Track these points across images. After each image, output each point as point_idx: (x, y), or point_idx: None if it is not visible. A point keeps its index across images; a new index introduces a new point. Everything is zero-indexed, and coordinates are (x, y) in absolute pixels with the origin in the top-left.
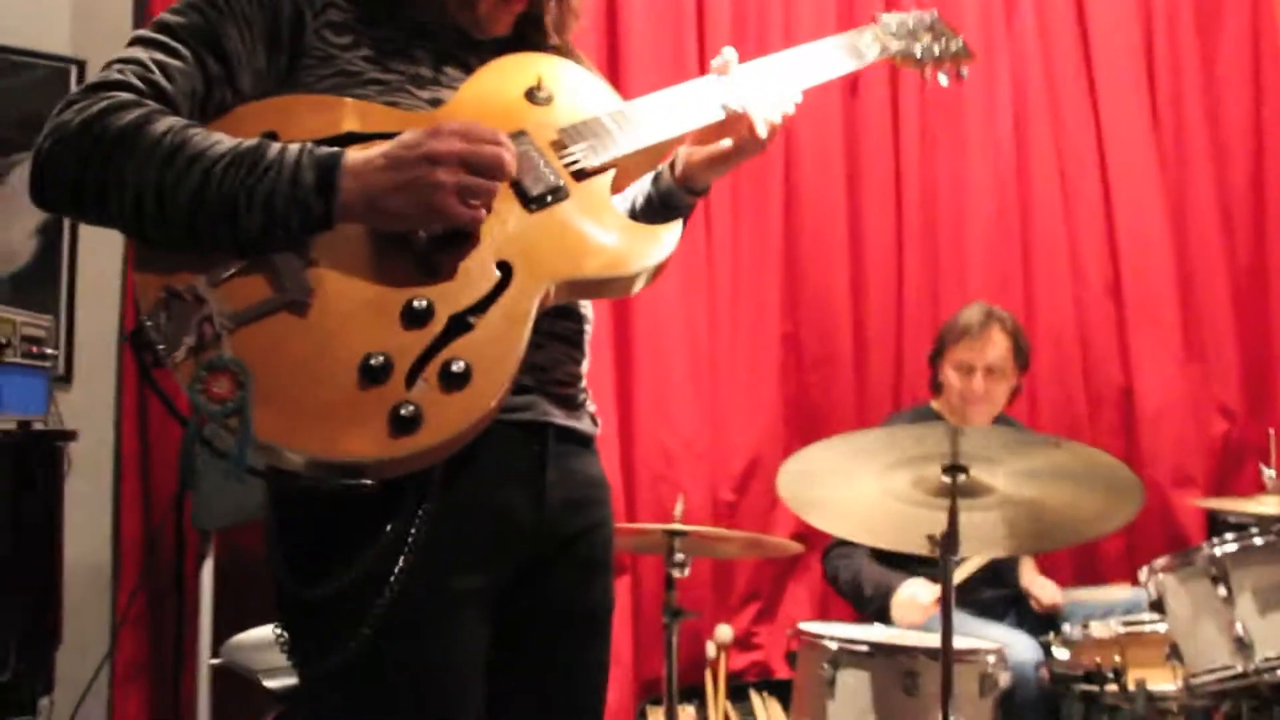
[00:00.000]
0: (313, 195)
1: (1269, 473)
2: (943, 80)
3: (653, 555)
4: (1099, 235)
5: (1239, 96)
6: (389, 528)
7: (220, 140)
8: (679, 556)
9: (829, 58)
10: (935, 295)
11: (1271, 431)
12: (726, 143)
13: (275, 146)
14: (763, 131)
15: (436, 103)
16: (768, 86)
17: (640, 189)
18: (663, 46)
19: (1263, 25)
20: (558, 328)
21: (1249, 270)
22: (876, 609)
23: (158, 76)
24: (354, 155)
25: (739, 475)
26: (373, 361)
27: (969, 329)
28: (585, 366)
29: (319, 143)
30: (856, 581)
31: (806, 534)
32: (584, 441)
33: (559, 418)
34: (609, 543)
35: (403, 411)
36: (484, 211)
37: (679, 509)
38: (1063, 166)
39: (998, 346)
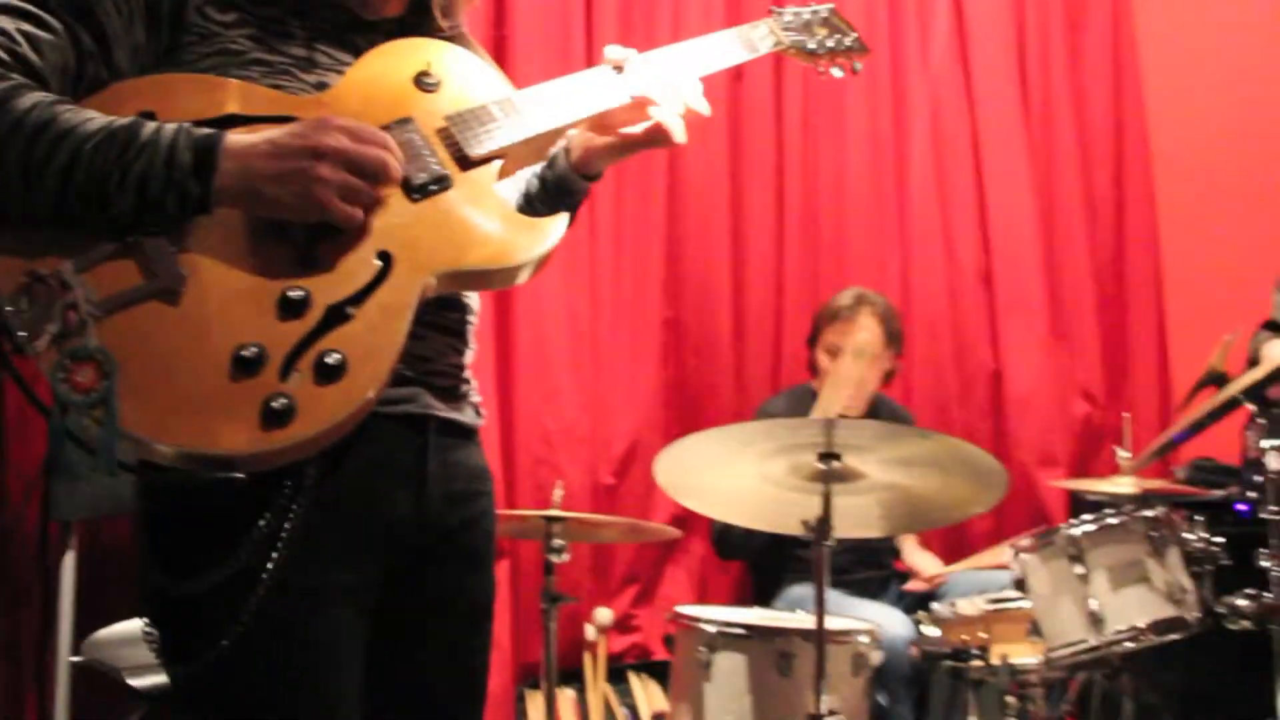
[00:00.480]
0: (190, 177)
1: (1123, 454)
2: (836, 73)
3: (532, 541)
4: (972, 223)
5: (1102, 94)
6: (263, 522)
7: (92, 117)
8: (557, 542)
9: (723, 49)
10: (815, 281)
11: (1126, 416)
12: (632, 129)
13: (151, 125)
14: (671, 123)
15: (322, 86)
16: (668, 76)
17: (531, 173)
18: (550, 40)
19: (1123, 29)
20: (441, 319)
21: (1110, 260)
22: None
23: (25, 50)
24: (235, 138)
25: (619, 459)
26: (245, 353)
27: (840, 312)
28: (469, 357)
29: (199, 124)
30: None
31: (686, 518)
32: (466, 433)
33: (441, 410)
34: (491, 534)
35: (274, 404)
36: (360, 215)
37: (558, 495)
38: (939, 156)
39: (868, 329)
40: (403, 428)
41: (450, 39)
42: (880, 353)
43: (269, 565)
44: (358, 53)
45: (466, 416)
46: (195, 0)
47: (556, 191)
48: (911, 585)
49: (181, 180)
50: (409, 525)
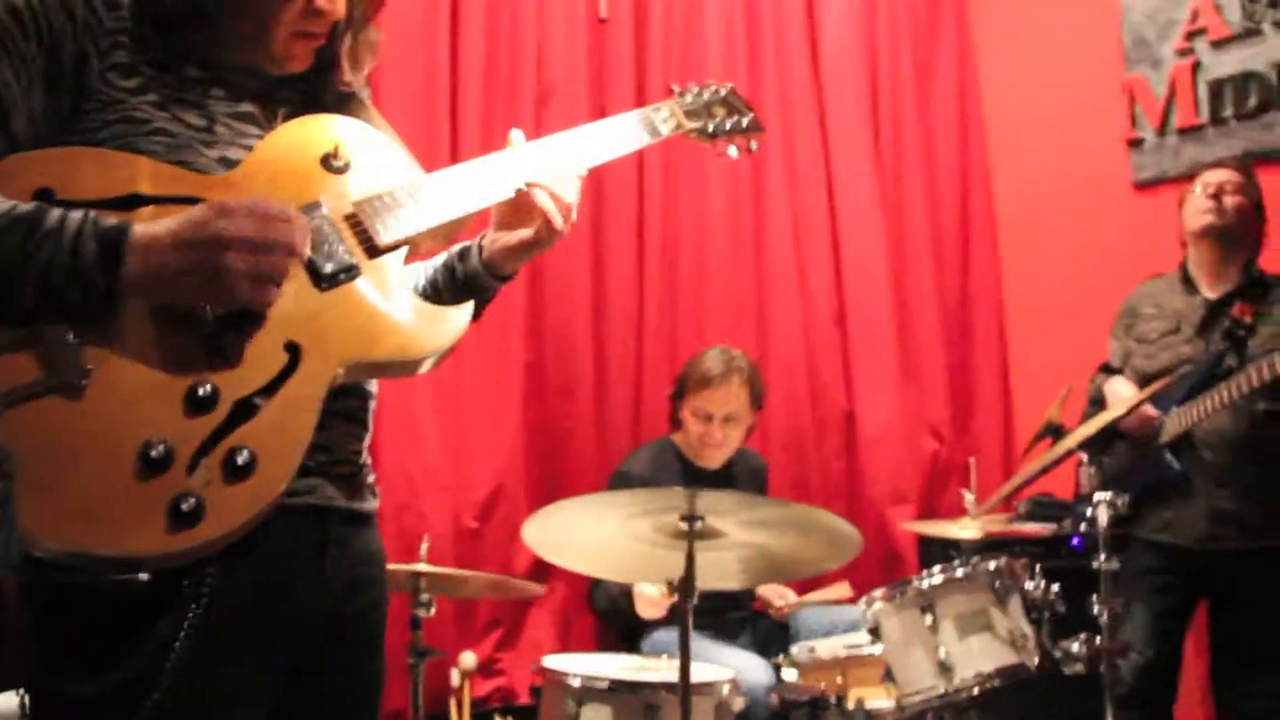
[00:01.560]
0: (95, 269)
1: (969, 497)
2: (732, 153)
3: (398, 593)
4: (827, 267)
5: (949, 141)
6: (161, 622)
7: None
8: (425, 597)
9: (624, 134)
10: (674, 324)
11: (972, 460)
12: (525, 233)
13: (55, 213)
14: (553, 211)
15: (226, 162)
16: (559, 164)
17: (440, 262)
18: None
19: (968, 78)
20: (341, 406)
21: (956, 303)
22: (625, 612)
23: None
24: (140, 230)
25: (481, 504)
26: (153, 452)
27: (709, 379)
28: (368, 440)
29: (102, 204)
30: (609, 597)
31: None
32: (365, 518)
33: (341, 500)
34: (384, 619)
35: (183, 506)
36: (273, 295)
37: (424, 548)
38: (795, 201)
39: (736, 398)
40: (303, 519)
41: (352, 101)
42: (746, 416)
43: (166, 667)
44: (259, 124)
45: (365, 503)
46: (99, 65)
47: (465, 287)
48: (770, 612)
49: (86, 272)
50: (309, 617)
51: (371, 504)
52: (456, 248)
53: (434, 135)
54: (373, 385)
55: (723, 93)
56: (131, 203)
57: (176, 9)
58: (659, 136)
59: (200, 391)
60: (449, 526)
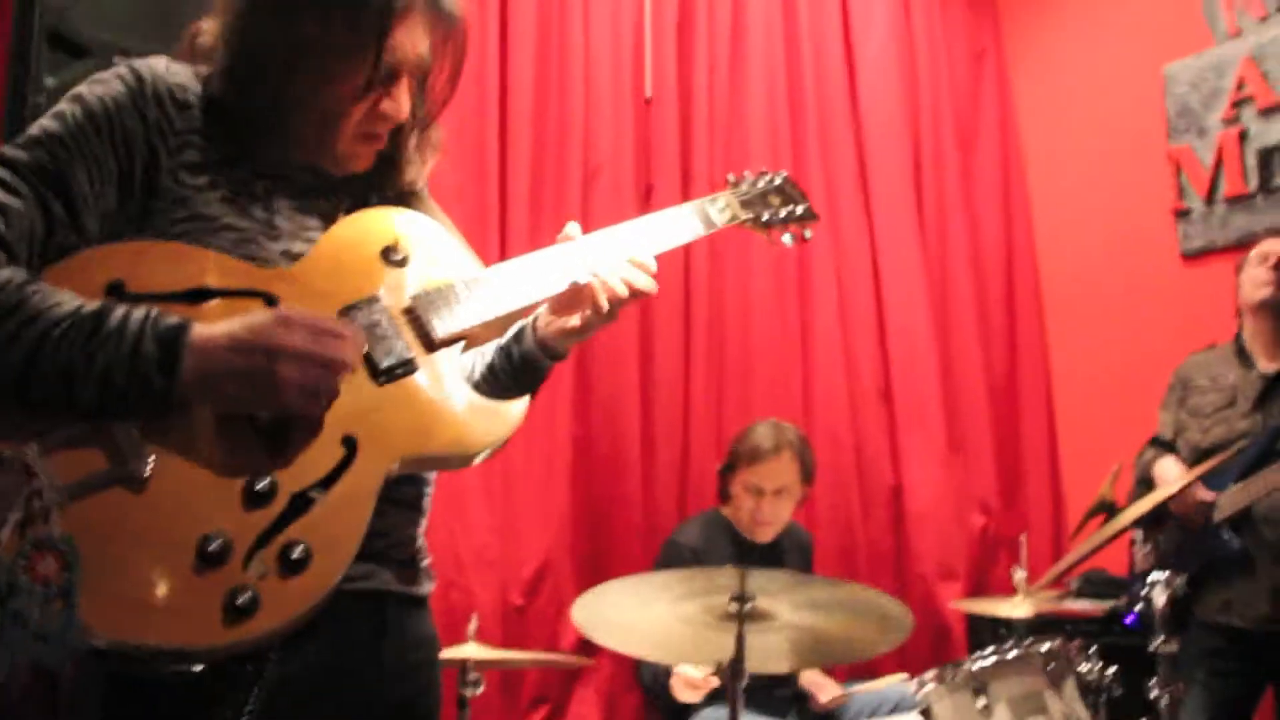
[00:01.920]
0: (154, 370)
1: (1020, 574)
2: (786, 241)
3: (447, 669)
4: (872, 341)
5: (992, 214)
6: (220, 710)
7: (60, 302)
8: (473, 676)
9: (679, 225)
10: (720, 399)
11: (1022, 537)
12: (576, 320)
13: (119, 312)
14: (604, 304)
15: (289, 255)
16: (613, 258)
17: (497, 345)
18: (466, 200)
19: (1011, 150)
20: (398, 493)
21: (1003, 376)
22: (669, 693)
23: None
24: (199, 331)
25: (529, 580)
26: (210, 546)
27: (760, 453)
28: (424, 526)
29: (170, 297)
30: (654, 675)
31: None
32: (420, 602)
33: (397, 585)
34: (438, 704)
35: (239, 600)
36: (323, 409)
37: (472, 627)
38: (840, 276)
39: (787, 471)
40: (360, 604)
41: (412, 195)
42: (798, 490)
43: None
44: (322, 217)
45: (421, 587)
46: (169, 164)
47: (522, 368)
48: (812, 705)
49: (146, 372)
50: (366, 703)
51: (426, 588)
52: (512, 329)
53: (484, 215)
54: (430, 472)
55: (777, 181)
56: (198, 296)
57: (243, 117)
58: (714, 228)
59: (258, 486)
60: (497, 604)
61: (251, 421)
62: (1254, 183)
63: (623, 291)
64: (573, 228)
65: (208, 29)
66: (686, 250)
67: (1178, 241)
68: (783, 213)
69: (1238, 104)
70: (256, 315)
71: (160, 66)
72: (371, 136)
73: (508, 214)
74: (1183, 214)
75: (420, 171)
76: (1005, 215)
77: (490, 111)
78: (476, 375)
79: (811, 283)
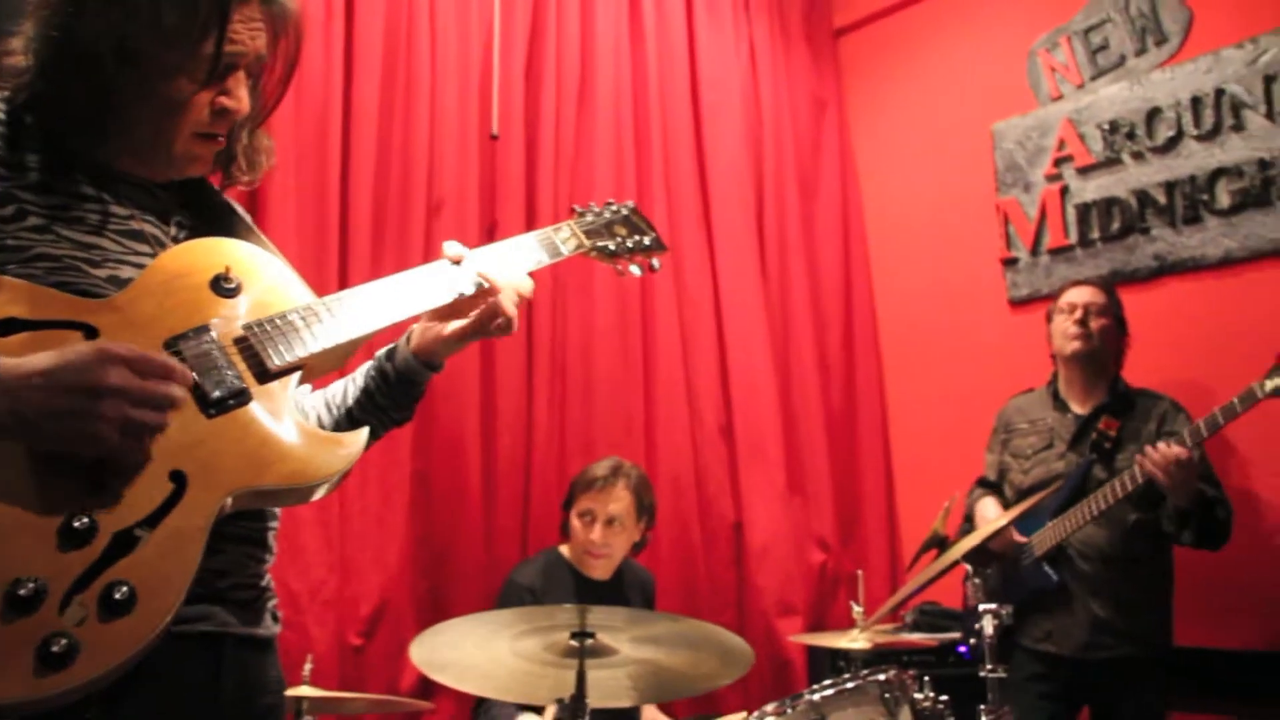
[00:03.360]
0: None
1: (857, 609)
2: (635, 271)
3: None
4: (714, 379)
5: (832, 257)
6: None
7: None
8: (307, 719)
9: (523, 254)
10: (563, 435)
11: (859, 572)
12: (462, 322)
13: None
14: (511, 309)
15: (115, 280)
16: (505, 268)
17: (366, 370)
18: (306, 228)
19: (850, 195)
20: (238, 529)
21: (841, 414)
22: None
23: None
24: (7, 365)
25: (367, 619)
26: (21, 591)
27: (595, 480)
28: (270, 562)
29: None
30: None
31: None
32: (263, 644)
33: (236, 626)
34: None
35: (54, 647)
36: (145, 450)
37: (307, 669)
38: (683, 315)
39: (620, 500)
40: (196, 647)
41: (239, 224)
42: (630, 524)
43: None
44: (150, 243)
45: (263, 628)
46: None
47: (399, 384)
48: None
49: None
50: None
51: (271, 629)
52: (381, 352)
53: (325, 245)
54: (271, 507)
55: (624, 212)
56: (7, 328)
57: (66, 120)
58: (560, 256)
59: (76, 524)
60: (333, 644)
61: (69, 461)
62: (1074, 235)
63: (523, 291)
64: (450, 246)
65: (17, 44)
66: None
67: (1006, 289)
68: (629, 243)
69: (1059, 162)
70: (75, 349)
71: None
72: (210, 136)
73: (349, 245)
74: (1010, 263)
75: (254, 175)
76: (844, 260)
77: (333, 142)
78: (350, 401)
79: (654, 320)
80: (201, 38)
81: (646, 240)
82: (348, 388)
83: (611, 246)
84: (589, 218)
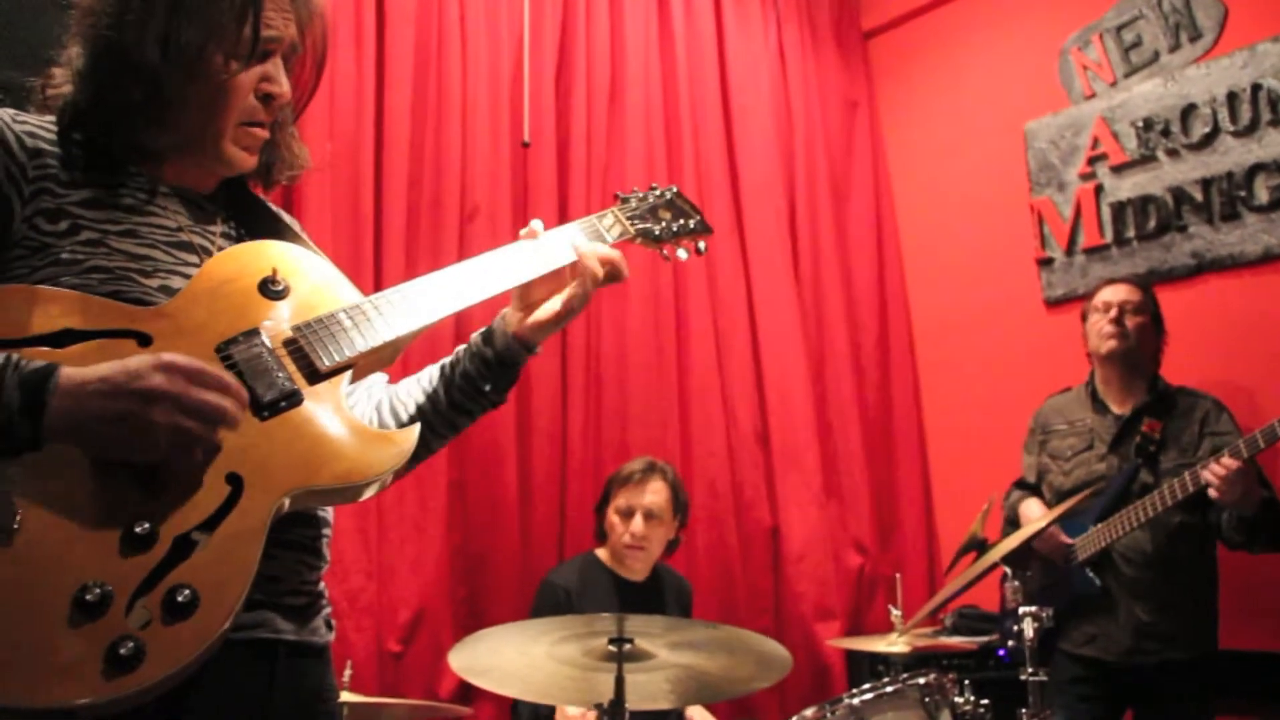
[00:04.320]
0: (17, 416)
1: (896, 613)
2: (681, 255)
3: None
4: (749, 385)
5: (866, 260)
6: None
7: None
8: None
9: (569, 241)
10: (598, 442)
11: (897, 576)
12: (557, 304)
13: None
14: (598, 270)
15: (167, 290)
16: (571, 243)
17: (462, 354)
18: (340, 238)
19: (883, 197)
20: (292, 535)
21: (877, 417)
22: None
23: None
24: (68, 374)
25: (405, 626)
26: (88, 596)
27: (633, 475)
28: (323, 570)
29: (34, 340)
30: (534, 718)
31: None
32: (317, 651)
33: (290, 633)
34: None
35: (121, 650)
36: (196, 459)
37: (346, 675)
38: (717, 322)
39: (658, 493)
40: (250, 654)
41: (284, 229)
42: (668, 518)
43: None
44: (197, 252)
45: (317, 635)
46: (23, 213)
47: (499, 366)
48: None
49: (9, 420)
50: None
51: (325, 637)
52: (476, 336)
53: (359, 251)
54: (328, 513)
55: (668, 195)
56: (64, 338)
57: (134, 112)
58: (604, 243)
59: (138, 529)
60: (372, 650)
61: (128, 465)
62: (1109, 234)
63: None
64: (536, 224)
65: (60, 74)
66: None
67: (1041, 289)
68: (675, 226)
69: (1093, 160)
70: (135, 359)
71: (6, 115)
72: (255, 125)
73: (383, 254)
74: (1045, 263)
75: (292, 171)
76: (878, 263)
77: (366, 152)
78: (450, 384)
79: (689, 326)
80: (240, 20)
81: (691, 223)
82: (445, 372)
83: (656, 231)
84: (633, 203)
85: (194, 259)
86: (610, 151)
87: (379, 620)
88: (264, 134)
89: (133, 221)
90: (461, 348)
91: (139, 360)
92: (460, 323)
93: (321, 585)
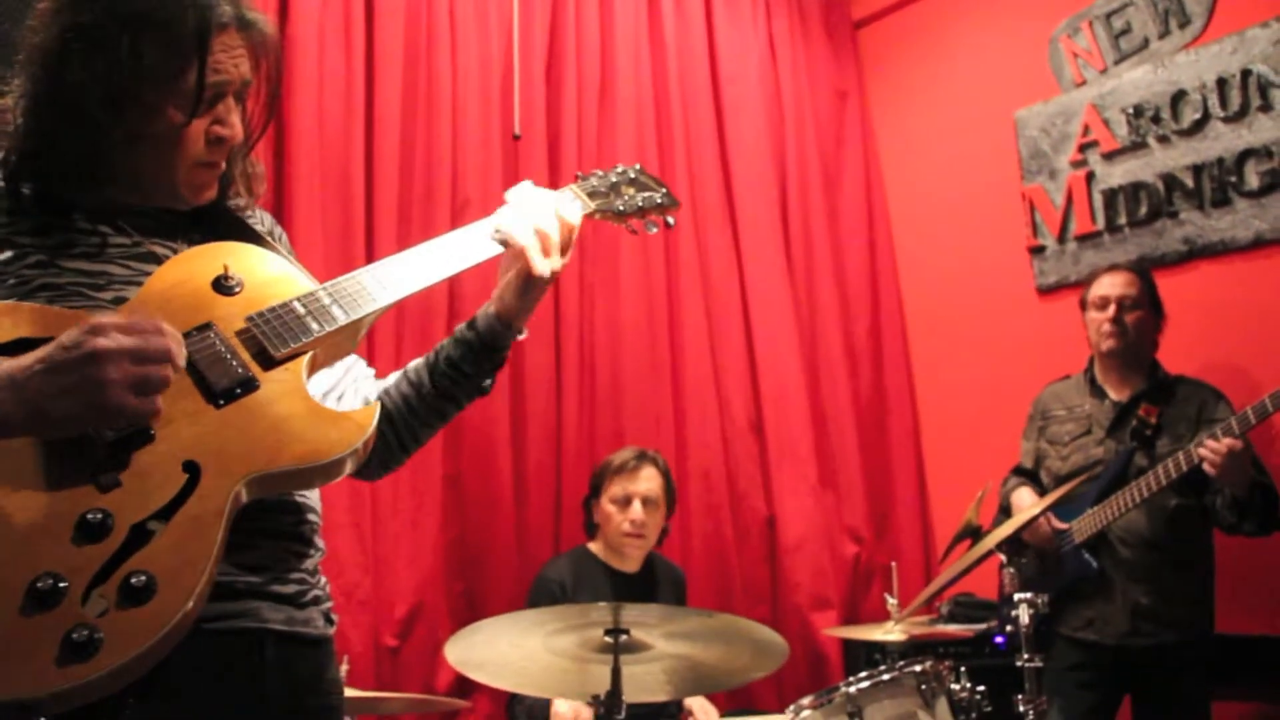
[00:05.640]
0: None
1: (892, 601)
2: (651, 230)
3: None
4: (743, 376)
5: (857, 249)
6: None
7: None
8: None
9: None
10: (593, 434)
11: (893, 564)
12: (511, 276)
13: None
14: (539, 261)
15: (119, 302)
16: (520, 223)
17: (450, 342)
18: (331, 232)
19: (874, 186)
20: (273, 523)
21: (871, 406)
22: None
23: None
24: (6, 365)
25: (401, 620)
26: (39, 585)
27: (624, 464)
28: (315, 560)
29: None
30: (528, 714)
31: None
32: (312, 643)
33: (278, 622)
34: None
35: (75, 635)
36: (158, 404)
37: (344, 669)
38: (710, 311)
39: (653, 479)
40: (236, 643)
41: (246, 229)
42: (663, 505)
43: None
44: (160, 262)
45: (312, 626)
46: None
47: (483, 348)
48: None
49: None
50: None
51: (322, 629)
52: (462, 325)
53: (350, 247)
54: (311, 499)
55: (631, 173)
56: (18, 348)
57: (60, 170)
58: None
59: (90, 518)
60: (368, 645)
61: (83, 450)
62: (1101, 221)
63: (547, 224)
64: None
65: (8, 103)
66: (556, 283)
67: (1033, 277)
68: (640, 200)
69: (1084, 148)
70: (65, 333)
71: None
72: (210, 164)
73: (374, 247)
74: (1037, 250)
75: (248, 199)
76: (870, 252)
77: (356, 145)
78: (435, 371)
79: (681, 317)
80: (183, 72)
81: (657, 197)
82: (429, 358)
83: (620, 206)
84: (593, 180)
85: (154, 268)
86: (601, 143)
87: (375, 615)
88: (217, 171)
89: (86, 242)
90: (449, 338)
91: (69, 333)
92: (454, 313)
93: (319, 577)
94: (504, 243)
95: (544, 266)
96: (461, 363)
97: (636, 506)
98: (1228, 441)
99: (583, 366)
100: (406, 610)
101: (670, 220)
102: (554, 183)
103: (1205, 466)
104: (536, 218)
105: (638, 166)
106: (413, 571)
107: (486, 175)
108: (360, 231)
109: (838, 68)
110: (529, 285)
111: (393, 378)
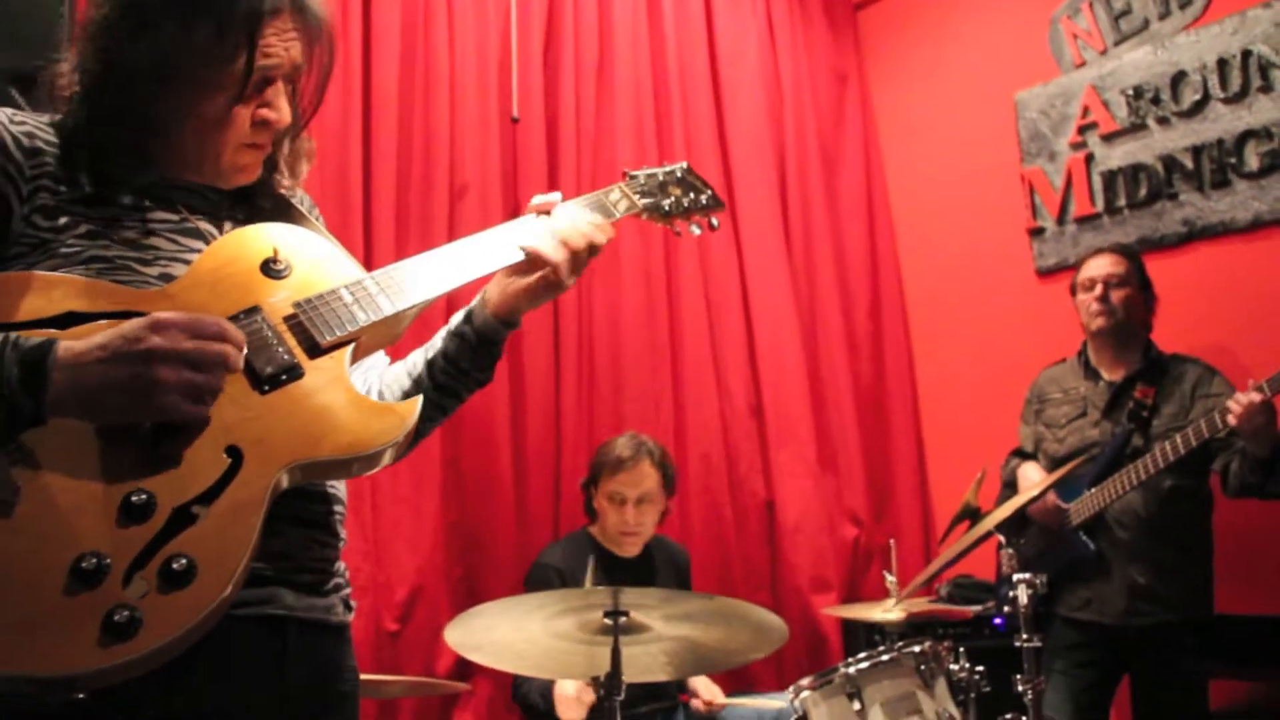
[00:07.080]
0: (19, 393)
1: (891, 580)
2: (694, 230)
3: None
4: (742, 359)
5: (857, 231)
6: None
7: None
8: None
9: (579, 215)
10: (592, 418)
11: (891, 543)
12: (528, 280)
13: None
14: (563, 256)
15: (167, 278)
16: (554, 223)
17: (443, 334)
18: (329, 214)
19: (873, 168)
20: (300, 511)
21: (870, 388)
22: (547, 712)
23: None
24: (67, 346)
25: (401, 604)
26: (84, 564)
27: (621, 462)
28: (338, 549)
29: (36, 324)
30: (532, 694)
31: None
32: (333, 630)
33: (301, 610)
34: None
35: (116, 617)
36: (206, 411)
37: None
38: (709, 294)
39: (648, 478)
40: (260, 629)
41: (290, 209)
42: (659, 498)
43: None
44: (205, 239)
45: (333, 614)
46: (21, 211)
47: (479, 344)
48: (693, 704)
49: (11, 397)
50: None
51: (342, 616)
52: (457, 315)
53: (349, 228)
54: (339, 490)
55: (678, 172)
56: (67, 321)
57: (111, 144)
58: (612, 218)
59: (134, 500)
60: (369, 629)
61: (130, 432)
62: (1100, 203)
63: (580, 243)
64: (554, 196)
65: (64, 68)
66: None
67: (1033, 259)
68: (685, 201)
69: (1083, 129)
70: (128, 323)
71: (3, 116)
72: (255, 146)
73: (373, 231)
74: (1036, 232)
75: (296, 180)
76: (869, 234)
77: (354, 129)
78: (432, 367)
79: (680, 300)
80: (234, 54)
81: (703, 199)
82: (427, 354)
83: (666, 206)
84: (641, 179)
85: (200, 244)
86: (599, 126)
87: (376, 599)
88: (262, 153)
89: (134, 215)
90: (443, 329)
91: (132, 324)
92: (450, 305)
93: (339, 564)
94: (535, 256)
95: (571, 281)
96: (458, 357)
97: (629, 510)
98: (1254, 397)
99: (582, 350)
100: (407, 594)
101: (714, 222)
102: (552, 165)
103: (1230, 419)
104: (569, 235)
105: (685, 165)
106: (413, 555)
107: (485, 159)
108: (358, 215)
109: (837, 50)
110: (545, 294)
111: (392, 370)
